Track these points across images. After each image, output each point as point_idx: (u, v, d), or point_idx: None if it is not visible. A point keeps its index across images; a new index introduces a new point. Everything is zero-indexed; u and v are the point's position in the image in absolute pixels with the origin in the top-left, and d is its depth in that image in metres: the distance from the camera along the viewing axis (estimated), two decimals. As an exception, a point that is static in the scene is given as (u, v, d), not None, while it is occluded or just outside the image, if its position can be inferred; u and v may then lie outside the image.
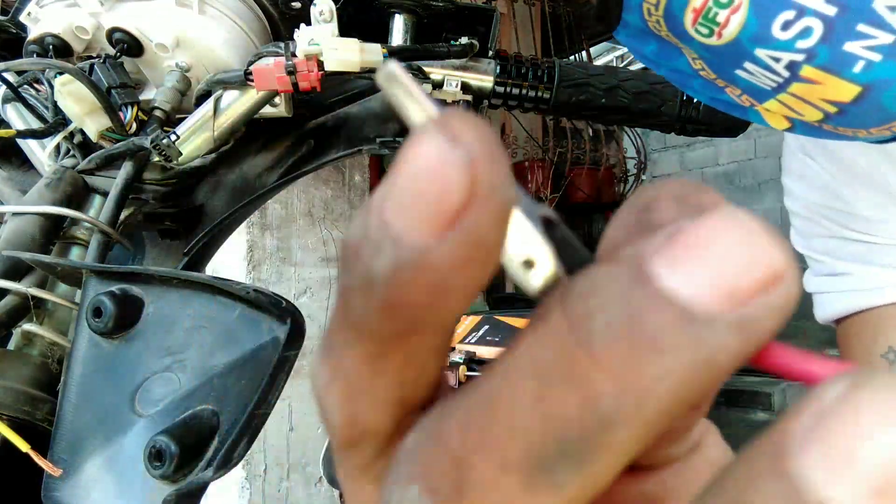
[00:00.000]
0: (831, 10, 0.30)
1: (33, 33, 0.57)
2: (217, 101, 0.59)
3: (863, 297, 0.58)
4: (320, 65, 0.53)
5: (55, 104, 0.57)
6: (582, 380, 0.10)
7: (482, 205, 0.10)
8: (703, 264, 0.10)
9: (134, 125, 0.57)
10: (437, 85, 0.58)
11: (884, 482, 0.08)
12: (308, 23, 0.54)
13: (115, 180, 0.56)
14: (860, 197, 0.57)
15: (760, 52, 0.32)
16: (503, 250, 0.11)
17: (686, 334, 0.09)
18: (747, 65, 0.33)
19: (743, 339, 0.10)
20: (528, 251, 0.11)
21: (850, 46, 0.30)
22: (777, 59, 0.32)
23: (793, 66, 0.32)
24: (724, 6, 0.31)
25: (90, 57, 0.58)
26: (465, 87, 0.59)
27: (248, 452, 0.42)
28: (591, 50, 4.60)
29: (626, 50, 2.77)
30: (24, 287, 0.50)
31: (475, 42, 0.58)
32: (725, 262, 0.09)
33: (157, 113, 0.57)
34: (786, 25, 0.31)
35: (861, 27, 0.30)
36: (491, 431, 0.10)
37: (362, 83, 0.66)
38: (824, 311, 0.61)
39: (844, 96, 0.32)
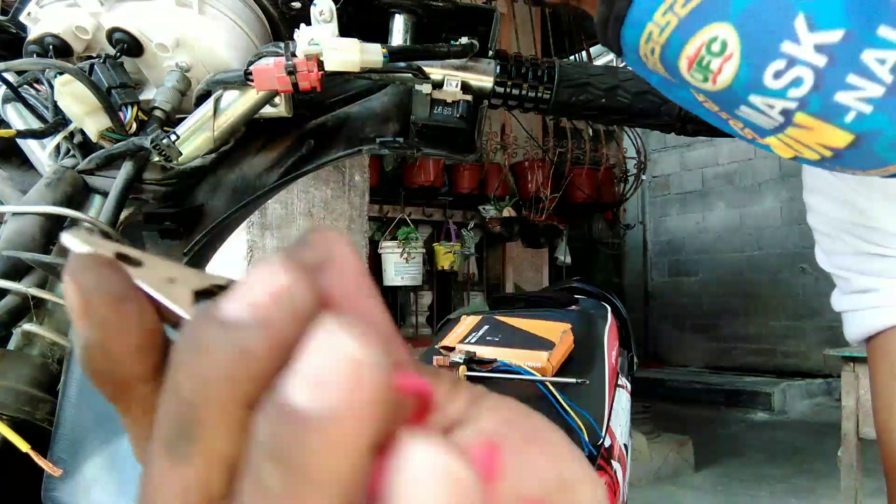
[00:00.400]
0: (821, 61, 0.31)
1: (33, 33, 0.57)
2: (217, 101, 0.59)
3: (889, 314, 0.56)
4: (320, 65, 0.53)
5: (55, 104, 0.57)
6: (174, 384, 0.15)
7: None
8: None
9: (134, 125, 0.57)
10: (437, 85, 0.58)
11: None
12: (308, 23, 0.54)
13: (115, 180, 0.56)
14: (881, 211, 0.57)
15: (754, 99, 0.33)
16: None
17: (223, 339, 0.14)
18: (743, 108, 0.34)
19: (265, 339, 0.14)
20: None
21: (841, 97, 0.31)
22: (771, 106, 0.33)
23: (787, 113, 0.33)
24: (717, 55, 0.32)
25: (90, 57, 0.58)
26: (465, 87, 0.59)
27: (248, 452, 0.42)
28: (591, 50, 4.60)
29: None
30: (24, 287, 0.50)
31: (475, 42, 0.58)
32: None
33: (157, 113, 0.57)
34: (777, 74, 0.31)
35: (851, 78, 0.31)
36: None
37: (362, 83, 0.66)
38: (851, 330, 0.60)
39: (838, 143, 0.33)
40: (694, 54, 0.33)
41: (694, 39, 0.32)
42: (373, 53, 0.54)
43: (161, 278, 0.17)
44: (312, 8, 0.53)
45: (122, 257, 0.17)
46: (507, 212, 3.99)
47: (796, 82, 0.31)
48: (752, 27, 0.31)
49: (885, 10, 0.30)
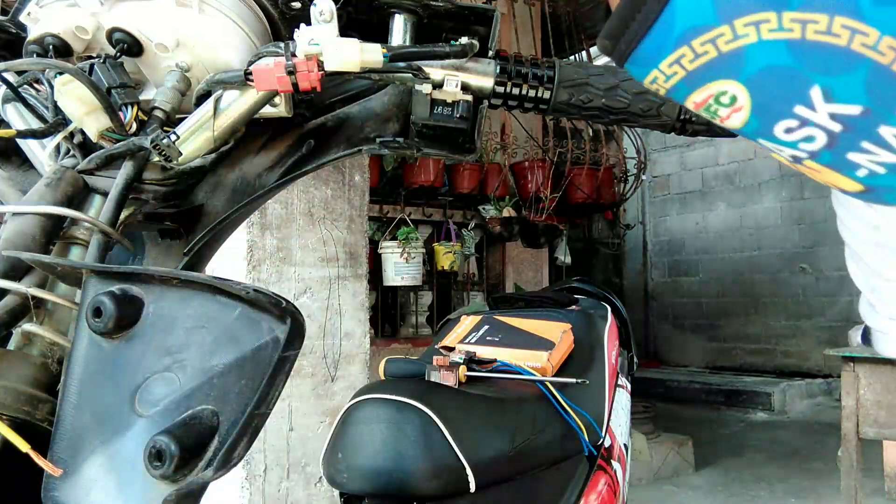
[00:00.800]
0: (835, 127, 0.30)
1: (33, 33, 0.57)
2: (217, 101, 0.59)
3: None
4: (320, 65, 0.53)
5: (55, 104, 0.57)
6: None
7: None
8: None
9: (134, 125, 0.57)
10: (437, 85, 0.58)
11: None
12: (308, 23, 0.54)
13: (115, 180, 0.56)
14: None
15: (764, 143, 0.33)
16: None
17: None
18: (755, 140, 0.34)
19: None
20: None
21: (854, 157, 0.31)
22: (780, 150, 0.33)
23: (796, 159, 0.33)
24: (726, 106, 0.32)
25: (90, 57, 0.58)
26: (465, 87, 0.59)
27: (248, 452, 0.42)
28: (591, 50, 4.60)
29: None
30: (24, 287, 0.50)
31: (475, 42, 0.58)
32: None
33: (157, 113, 0.57)
34: (789, 131, 0.31)
35: (866, 144, 0.31)
36: None
37: (362, 83, 0.66)
38: (885, 347, 0.59)
39: (848, 188, 0.34)
40: (702, 101, 0.32)
41: (702, 90, 0.32)
42: (373, 53, 0.54)
43: None
44: (312, 8, 0.53)
45: None
46: (507, 212, 3.99)
47: (808, 139, 0.31)
48: (764, 89, 0.31)
49: None
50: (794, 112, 0.31)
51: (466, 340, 1.08)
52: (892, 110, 0.30)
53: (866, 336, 0.61)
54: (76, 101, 0.55)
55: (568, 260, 4.52)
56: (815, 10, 0.28)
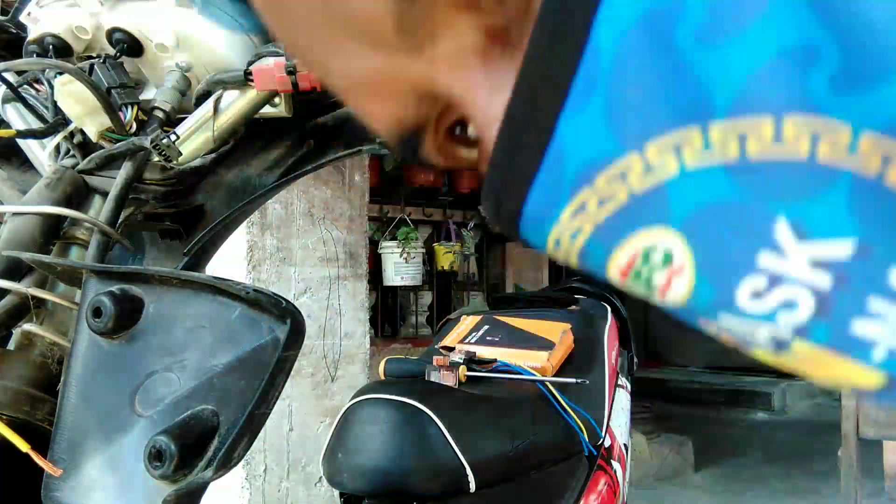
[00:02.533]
0: (824, 281, 0.20)
1: (33, 33, 0.57)
2: (217, 101, 0.59)
3: None
4: (320, 65, 0.53)
5: (55, 104, 0.57)
6: None
7: None
8: None
9: (134, 125, 0.57)
10: (437, 85, 0.58)
11: None
12: (308, 23, 0.54)
13: (115, 180, 0.56)
14: None
15: (727, 321, 0.22)
16: None
17: None
18: (715, 325, 0.22)
19: None
20: None
21: (863, 327, 0.20)
22: (753, 334, 0.22)
23: (778, 343, 0.21)
24: (659, 267, 0.22)
25: (90, 57, 0.58)
26: (465, 87, 0.59)
27: (248, 452, 0.42)
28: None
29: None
30: (24, 287, 0.50)
31: (475, 42, 0.58)
32: None
33: (157, 113, 0.57)
34: (756, 296, 0.21)
35: (875, 303, 0.20)
36: None
37: (362, 83, 0.65)
38: None
39: (867, 383, 0.21)
40: (626, 267, 0.23)
41: (621, 249, 0.22)
42: (373, 53, 0.53)
43: None
44: (312, 8, 0.53)
45: None
46: (507, 212, 3.99)
47: (789, 305, 0.20)
48: (707, 233, 0.21)
49: None
50: (759, 265, 0.20)
51: (466, 340, 1.08)
52: None
53: None
54: (76, 101, 0.55)
55: (568, 260, 4.51)
56: (753, 113, 0.19)
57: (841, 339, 0.20)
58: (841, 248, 0.19)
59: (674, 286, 0.22)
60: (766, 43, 0.18)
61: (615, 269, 0.23)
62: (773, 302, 0.21)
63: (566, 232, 0.23)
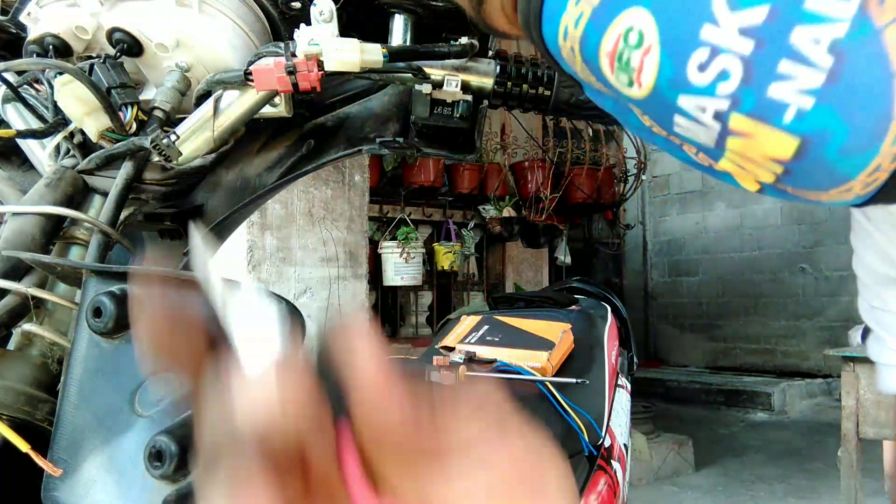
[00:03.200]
0: (747, 47, 0.25)
1: (33, 33, 0.57)
2: (217, 101, 0.59)
3: None
4: (320, 65, 0.53)
5: (55, 104, 0.57)
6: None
7: None
8: None
9: (134, 125, 0.57)
10: (437, 85, 0.58)
11: None
12: (308, 23, 0.54)
13: (115, 180, 0.56)
14: None
15: (684, 102, 0.28)
16: None
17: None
18: (677, 118, 0.29)
19: None
20: None
21: (776, 90, 0.26)
22: (703, 109, 0.27)
23: (720, 116, 0.27)
24: (635, 47, 0.28)
25: (90, 57, 0.58)
26: (465, 87, 0.59)
27: (248, 452, 0.42)
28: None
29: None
30: (24, 287, 0.50)
31: (475, 42, 0.58)
32: None
33: (157, 113, 0.57)
34: (701, 67, 0.26)
35: (784, 65, 0.25)
36: None
37: (362, 83, 0.66)
38: (887, 384, 0.58)
39: (784, 152, 0.27)
40: (612, 49, 0.28)
41: (610, 31, 0.28)
42: (373, 53, 0.54)
43: None
44: (312, 8, 0.53)
45: None
46: (507, 212, 3.99)
47: (723, 75, 0.26)
48: (668, 11, 0.27)
49: None
50: (702, 37, 0.26)
51: (466, 340, 1.08)
52: (799, 3, 0.25)
53: (866, 336, 0.61)
54: (76, 101, 0.55)
55: (568, 260, 4.52)
56: None
57: (761, 104, 0.26)
58: (759, 14, 0.25)
59: (645, 66, 0.28)
60: None
61: (605, 59, 0.29)
62: (713, 72, 0.26)
63: (572, 19, 0.29)
